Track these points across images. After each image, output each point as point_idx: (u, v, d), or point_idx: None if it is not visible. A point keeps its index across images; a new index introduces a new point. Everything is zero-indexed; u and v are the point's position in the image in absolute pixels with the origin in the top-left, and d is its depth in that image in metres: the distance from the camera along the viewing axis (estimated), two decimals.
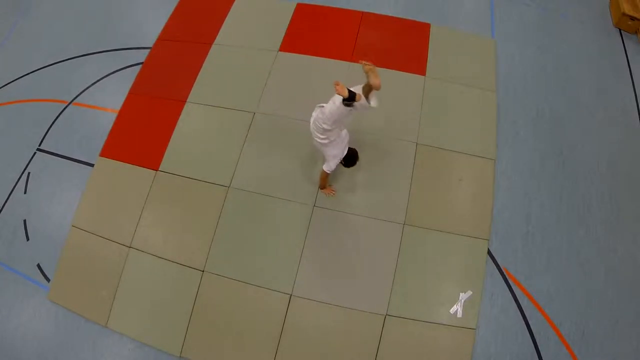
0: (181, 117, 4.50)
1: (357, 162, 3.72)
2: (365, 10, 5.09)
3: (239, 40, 4.95)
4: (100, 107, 4.73)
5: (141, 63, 4.93)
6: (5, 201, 4.32)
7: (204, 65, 4.79)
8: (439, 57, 4.73)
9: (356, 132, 4.28)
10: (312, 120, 3.50)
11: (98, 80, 4.89)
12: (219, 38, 4.98)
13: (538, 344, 3.53)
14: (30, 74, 5.04)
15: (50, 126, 4.66)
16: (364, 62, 3.15)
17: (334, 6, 5.15)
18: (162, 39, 5.09)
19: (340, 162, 3.65)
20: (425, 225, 3.89)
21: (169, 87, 4.70)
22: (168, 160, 4.28)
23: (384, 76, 4.53)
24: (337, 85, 2.98)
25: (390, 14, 5.07)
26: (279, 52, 4.81)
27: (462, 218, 3.93)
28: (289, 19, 5.05)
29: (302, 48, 4.83)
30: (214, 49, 4.91)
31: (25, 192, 4.35)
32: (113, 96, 4.74)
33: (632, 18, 4.94)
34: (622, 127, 4.47)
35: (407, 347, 3.51)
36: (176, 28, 5.17)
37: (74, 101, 4.79)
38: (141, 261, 3.89)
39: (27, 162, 4.49)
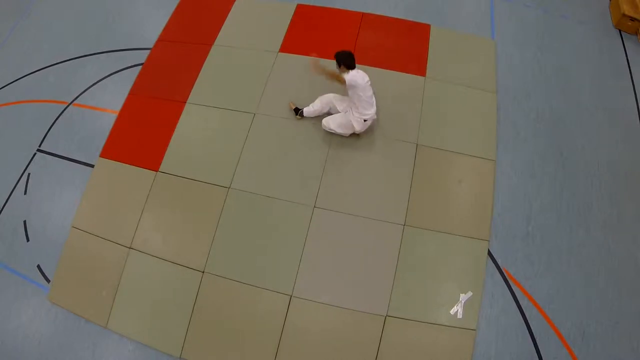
0: (181, 118, 4.50)
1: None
2: (366, 11, 5.09)
3: (239, 41, 4.95)
4: (100, 108, 4.73)
5: (141, 64, 4.93)
6: (6, 202, 4.32)
7: (204, 66, 4.80)
8: (439, 58, 4.73)
9: (356, 133, 4.30)
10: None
11: (98, 81, 4.89)
12: (219, 39, 4.98)
13: (538, 344, 3.54)
14: (31, 75, 5.04)
15: (51, 127, 4.67)
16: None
17: (334, 7, 5.15)
18: (162, 39, 5.10)
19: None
20: (426, 226, 3.89)
21: (169, 88, 4.70)
22: (168, 161, 4.29)
23: (385, 77, 4.59)
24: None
25: (390, 15, 5.08)
26: (279, 53, 4.81)
27: (462, 219, 3.93)
28: (289, 20, 5.05)
29: (302, 49, 4.83)
30: (214, 50, 4.91)
31: (25, 193, 4.35)
32: (113, 97, 4.75)
33: (632, 19, 4.94)
34: (622, 127, 4.48)
35: (408, 348, 3.51)
36: (176, 29, 5.17)
37: (74, 102, 4.79)
38: (141, 262, 3.89)
39: (27, 163, 4.49)
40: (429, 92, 4.52)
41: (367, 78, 3.83)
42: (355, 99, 3.84)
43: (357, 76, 3.73)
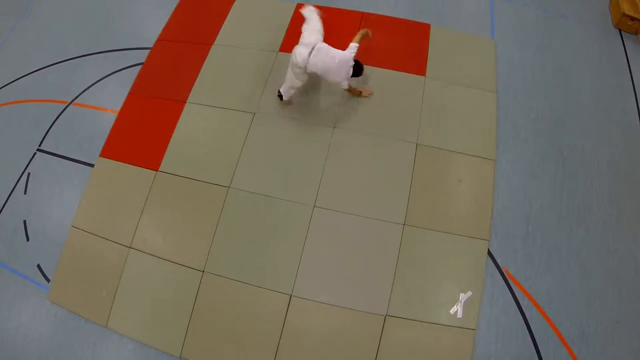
0: (181, 117, 4.50)
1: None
2: (365, 11, 5.09)
3: (239, 40, 4.95)
4: (100, 107, 4.73)
5: (141, 63, 4.93)
6: (5, 201, 4.32)
7: (204, 65, 4.80)
8: (439, 57, 4.73)
9: (356, 132, 4.30)
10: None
11: (98, 81, 4.89)
12: (219, 38, 4.98)
13: (538, 344, 3.54)
14: (30, 75, 5.04)
15: (51, 126, 4.67)
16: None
17: (334, 6, 5.15)
18: (162, 39, 5.09)
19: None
20: (425, 226, 3.89)
21: (169, 88, 4.70)
22: (168, 161, 4.29)
23: (385, 76, 4.60)
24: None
25: (390, 15, 5.07)
26: (279, 52, 4.81)
27: (462, 218, 3.93)
28: (289, 19, 5.05)
29: None
30: (214, 49, 4.91)
31: (25, 193, 4.35)
32: (113, 96, 4.74)
33: (632, 18, 4.93)
34: (622, 127, 4.47)
35: (407, 347, 3.51)
36: (176, 28, 5.17)
37: (74, 101, 4.79)
38: (141, 261, 3.89)
39: (27, 163, 4.49)
40: (429, 91, 4.52)
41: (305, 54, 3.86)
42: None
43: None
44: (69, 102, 4.80)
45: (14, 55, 5.22)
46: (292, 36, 4.90)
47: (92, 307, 3.79)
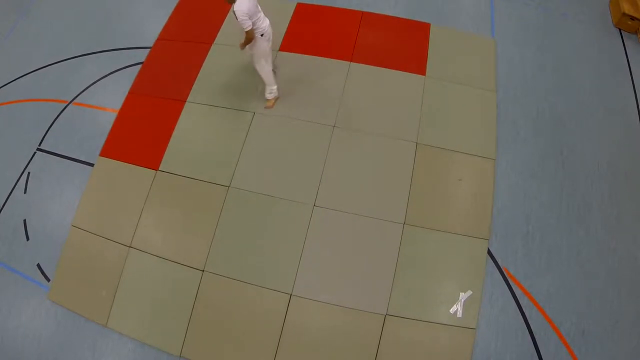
0: (181, 117, 4.50)
1: None
2: (365, 10, 5.09)
3: (239, 39, 4.93)
4: (100, 106, 4.73)
5: (141, 63, 4.93)
6: (5, 201, 4.32)
7: (203, 65, 4.80)
8: (439, 57, 4.73)
9: (356, 131, 4.30)
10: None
11: (98, 80, 4.89)
12: (218, 38, 4.98)
13: (538, 344, 3.53)
14: (30, 74, 5.04)
15: (50, 126, 4.66)
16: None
17: (334, 6, 5.15)
18: (162, 38, 5.09)
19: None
20: (425, 225, 3.89)
21: (168, 87, 4.70)
22: (168, 160, 4.29)
23: (385, 76, 4.60)
24: None
25: (390, 14, 5.07)
26: (279, 51, 4.81)
27: (462, 218, 3.93)
28: (289, 18, 5.05)
29: (302, 48, 4.83)
30: (213, 48, 4.91)
31: (25, 192, 4.35)
32: (113, 96, 4.74)
33: (632, 18, 4.93)
34: (622, 127, 4.47)
35: (407, 347, 3.51)
36: (176, 28, 5.17)
37: (74, 101, 4.79)
38: (141, 261, 3.89)
39: (27, 162, 4.49)
40: (429, 90, 4.52)
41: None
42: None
43: (243, 3, 3.66)
44: (69, 101, 4.80)
45: (14, 55, 5.22)
46: (292, 35, 4.92)
47: (92, 306, 3.79)
